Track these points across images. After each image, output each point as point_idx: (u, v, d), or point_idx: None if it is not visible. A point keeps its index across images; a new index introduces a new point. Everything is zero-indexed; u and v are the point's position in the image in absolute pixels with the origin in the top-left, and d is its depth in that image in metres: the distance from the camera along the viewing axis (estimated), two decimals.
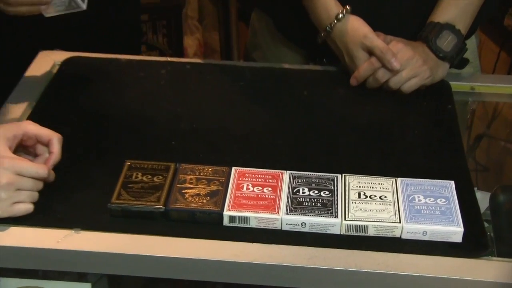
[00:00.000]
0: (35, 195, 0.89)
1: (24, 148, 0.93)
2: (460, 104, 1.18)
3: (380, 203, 0.88)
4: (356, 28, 1.11)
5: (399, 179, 0.92)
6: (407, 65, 1.10)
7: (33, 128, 0.92)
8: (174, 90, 1.15)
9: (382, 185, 0.91)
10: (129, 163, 0.94)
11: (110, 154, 0.99)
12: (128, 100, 1.12)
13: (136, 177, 0.92)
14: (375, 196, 0.90)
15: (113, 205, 0.88)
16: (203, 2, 2.41)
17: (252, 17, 1.33)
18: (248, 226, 0.87)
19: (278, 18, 1.25)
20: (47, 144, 0.92)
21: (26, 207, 0.87)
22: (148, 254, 0.84)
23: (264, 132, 1.05)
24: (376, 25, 1.13)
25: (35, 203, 0.88)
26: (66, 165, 0.94)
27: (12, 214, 0.86)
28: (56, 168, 0.92)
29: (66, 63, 1.19)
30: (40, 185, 0.89)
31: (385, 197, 0.89)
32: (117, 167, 0.94)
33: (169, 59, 1.23)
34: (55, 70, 1.18)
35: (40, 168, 0.88)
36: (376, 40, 1.10)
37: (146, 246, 0.85)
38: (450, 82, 1.17)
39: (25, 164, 0.88)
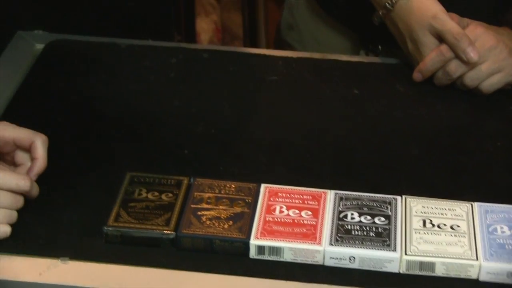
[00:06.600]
0: (14, 215, 0.91)
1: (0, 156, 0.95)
2: None
3: (451, 234, 0.90)
4: (425, 5, 1.12)
5: (476, 204, 0.93)
6: (488, 56, 1.11)
7: (10, 131, 0.93)
8: (187, 84, 1.17)
9: (454, 211, 0.93)
10: (130, 176, 0.96)
11: (107, 163, 1.01)
12: (129, 96, 1.14)
13: (140, 194, 0.94)
14: (445, 225, 0.91)
15: (109, 228, 0.90)
16: None
17: None
18: (281, 259, 0.89)
19: None
20: (28, 149, 0.94)
21: (1, 230, 0.89)
22: None
23: (302, 140, 1.07)
24: (446, 5, 1.13)
25: (12, 225, 0.90)
26: (51, 177, 0.96)
27: None
28: (39, 180, 0.94)
29: (49, 47, 1.22)
30: (20, 201, 0.91)
31: (458, 226, 0.91)
32: (115, 181, 0.96)
33: (181, 44, 1.25)
34: (35, 56, 1.21)
35: (20, 179, 0.90)
36: (449, 22, 1.11)
37: (151, 281, 0.86)
38: None
39: (1, 174, 0.89)
